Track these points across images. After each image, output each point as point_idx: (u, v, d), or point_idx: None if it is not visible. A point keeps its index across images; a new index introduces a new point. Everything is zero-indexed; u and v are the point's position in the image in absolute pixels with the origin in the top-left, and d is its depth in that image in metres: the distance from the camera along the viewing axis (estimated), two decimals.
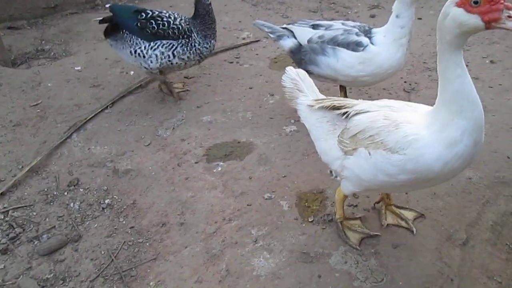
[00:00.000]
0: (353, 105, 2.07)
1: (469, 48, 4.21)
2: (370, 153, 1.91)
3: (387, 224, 2.40)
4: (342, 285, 2.12)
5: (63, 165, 3.09)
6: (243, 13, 5.28)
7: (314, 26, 3.17)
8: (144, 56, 3.34)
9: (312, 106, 2.20)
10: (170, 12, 3.42)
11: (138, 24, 3.28)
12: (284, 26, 3.31)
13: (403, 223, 2.40)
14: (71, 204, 2.78)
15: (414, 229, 2.35)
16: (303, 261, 2.25)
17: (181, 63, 3.41)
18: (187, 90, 3.82)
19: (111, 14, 3.38)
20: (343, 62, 2.98)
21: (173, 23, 3.31)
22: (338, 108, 2.10)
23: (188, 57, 3.38)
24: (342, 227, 2.35)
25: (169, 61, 3.36)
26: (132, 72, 4.14)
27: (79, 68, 4.23)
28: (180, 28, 3.32)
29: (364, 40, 2.94)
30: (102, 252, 2.48)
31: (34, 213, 2.74)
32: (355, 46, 2.94)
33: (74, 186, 2.91)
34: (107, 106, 3.65)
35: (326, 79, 3.20)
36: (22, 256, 2.47)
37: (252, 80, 3.94)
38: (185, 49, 3.35)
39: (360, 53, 2.93)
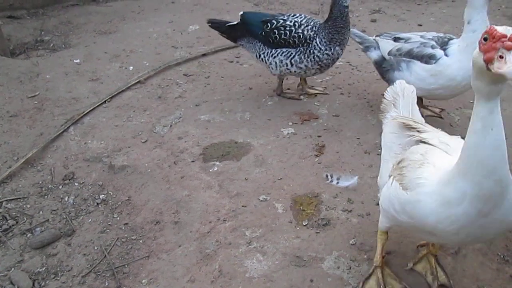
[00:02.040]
0: (425, 131, 1.94)
1: None
2: (393, 183, 1.85)
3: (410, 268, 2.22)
4: None
5: (59, 158, 3.08)
6: None
7: (396, 39, 3.21)
8: (266, 62, 3.44)
9: (393, 118, 2.11)
10: (296, 18, 3.37)
11: (263, 33, 3.38)
12: (373, 37, 3.37)
13: (429, 279, 2.15)
14: (66, 198, 2.78)
15: None
16: (296, 265, 2.26)
17: (299, 71, 3.41)
18: (326, 93, 3.75)
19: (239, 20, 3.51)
20: (416, 75, 2.99)
21: (295, 31, 3.30)
22: (409, 127, 1.99)
23: (305, 65, 3.35)
24: (382, 275, 2.12)
25: (288, 69, 3.39)
26: (131, 68, 4.13)
27: (78, 61, 4.21)
28: (301, 36, 3.29)
29: (438, 52, 2.93)
30: (95, 248, 2.47)
31: (28, 206, 2.73)
32: (428, 59, 2.95)
33: (69, 180, 2.90)
34: (105, 101, 3.64)
35: None
36: (15, 248, 2.46)
37: (252, 80, 3.94)
38: (302, 57, 3.32)
39: (431, 66, 2.93)
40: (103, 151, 3.13)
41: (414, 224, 1.75)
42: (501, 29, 1.33)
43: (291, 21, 3.34)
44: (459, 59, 2.84)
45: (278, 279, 2.19)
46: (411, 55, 3.03)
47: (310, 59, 3.30)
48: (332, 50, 3.28)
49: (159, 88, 3.84)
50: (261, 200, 2.67)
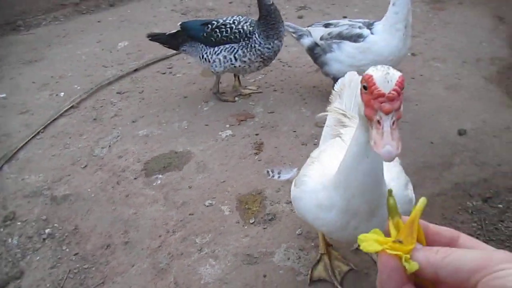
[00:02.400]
0: (347, 126, 1.91)
1: None
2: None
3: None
4: (287, 281, 2.20)
5: None
6: (172, 23, 5.23)
7: (326, 25, 3.41)
8: (209, 61, 3.47)
9: (327, 110, 2.08)
10: (235, 18, 3.47)
11: (204, 35, 3.44)
12: (306, 28, 3.55)
13: (375, 256, 2.20)
14: (9, 240, 2.68)
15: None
16: (248, 263, 2.32)
17: (244, 65, 3.45)
18: (260, 92, 3.85)
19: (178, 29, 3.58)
20: (346, 53, 3.20)
21: (235, 27, 3.39)
22: (339, 120, 1.96)
23: (249, 59, 3.40)
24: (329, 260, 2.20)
25: (232, 64, 3.43)
26: (62, 94, 4.03)
27: (4, 95, 4.06)
28: (242, 31, 3.38)
29: (365, 32, 3.15)
30: (48, 285, 2.41)
31: None
32: (356, 38, 3.16)
33: (11, 220, 2.81)
34: (39, 132, 3.54)
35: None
36: None
37: (186, 89, 3.96)
38: (245, 51, 3.38)
39: (360, 44, 3.14)
40: (43, 184, 3.05)
41: (303, 219, 1.81)
42: (379, 81, 1.12)
43: (230, 20, 3.44)
44: (384, 37, 3.06)
45: (232, 280, 2.24)
46: (341, 36, 3.23)
47: (253, 53, 3.38)
48: (272, 44, 3.39)
49: (93, 110, 3.78)
50: (207, 206, 2.71)
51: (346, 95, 2.12)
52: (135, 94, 3.96)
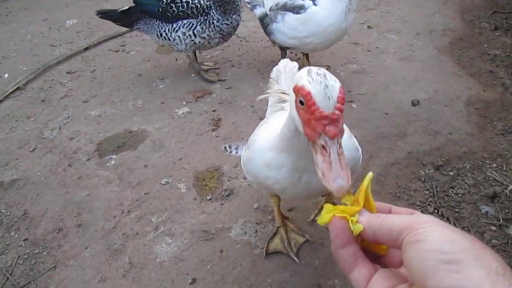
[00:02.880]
0: (287, 101, 1.93)
1: None
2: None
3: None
4: (244, 255, 2.19)
5: None
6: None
7: None
8: (169, 39, 3.31)
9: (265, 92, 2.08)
10: None
11: (159, 10, 3.25)
12: None
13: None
14: None
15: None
16: (205, 239, 2.28)
17: (204, 42, 3.31)
18: (217, 67, 3.73)
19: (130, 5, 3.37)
20: (288, 25, 3.15)
21: (191, 2, 3.22)
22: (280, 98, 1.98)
23: (208, 35, 3.26)
24: (285, 232, 2.21)
25: (192, 40, 3.29)
26: (6, 75, 3.81)
27: None
28: (199, 6, 3.22)
29: (307, 3, 3.09)
30: None
31: None
32: (298, 10, 3.10)
33: None
34: None
35: (287, 48, 3.38)
36: None
37: (140, 66, 3.83)
38: (204, 27, 3.24)
39: (301, 15, 3.09)
40: None
41: (256, 182, 1.77)
42: (319, 99, 0.99)
43: None
44: (325, 7, 3.02)
45: (188, 257, 2.20)
46: (285, 7, 3.18)
47: (211, 29, 3.27)
48: (230, 19, 3.29)
49: (41, 91, 3.60)
50: (163, 184, 2.64)
51: (283, 80, 2.16)
52: (86, 74, 3.79)
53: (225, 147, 2.55)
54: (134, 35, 4.32)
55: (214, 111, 3.21)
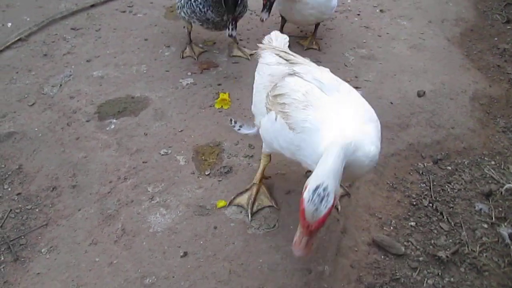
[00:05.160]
0: (296, 63, 2.00)
1: None
2: (277, 119, 1.89)
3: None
4: (237, 233, 2.20)
5: None
6: None
7: None
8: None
9: (264, 48, 2.17)
10: None
11: None
12: None
13: None
14: None
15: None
16: (200, 214, 2.29)
17: (186, 17, 3.14)
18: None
19: None
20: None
21: None
22: (282, 57, 2.05)
23: (186, 11, 3.09)
24: (256, 192, 2.32)
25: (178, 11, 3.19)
26: (10, 24, 3.72)
27: None
28: None
29: None
30: None
31: None
32: None
33: None
34: None
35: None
36: None
37: (147, 30, 3.74)
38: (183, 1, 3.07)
39: None
40: None
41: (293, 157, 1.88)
42: (307, 215, 1.50)
43: None
44: None
45: (182, 230, 2.21)
46: None
47: (188, 6, 3.05)
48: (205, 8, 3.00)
49: (44, 45, 3.52)
50: (162, 154, 2.62)
51: (275, 45, 2.22)
52: (91, 32, 3.70)
53: (231, 120, 2.50)
54: None
55: (219, 85, 3.17)
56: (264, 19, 3.02)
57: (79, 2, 4.04)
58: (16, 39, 3.52)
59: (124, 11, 3.98)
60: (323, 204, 1.47)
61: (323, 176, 1.50)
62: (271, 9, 3.00)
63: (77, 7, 3.95)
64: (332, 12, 3.40)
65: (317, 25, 3.60)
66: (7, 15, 3.85)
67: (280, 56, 2.07)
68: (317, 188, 1.48)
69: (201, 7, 2.97)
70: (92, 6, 4.00)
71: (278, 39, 2.30)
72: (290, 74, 1.95)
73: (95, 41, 3.59)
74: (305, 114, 1.77)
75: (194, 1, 2.99)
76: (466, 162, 2.70)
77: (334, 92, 1.83)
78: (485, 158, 2.73)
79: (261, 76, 2.13)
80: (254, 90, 2.20)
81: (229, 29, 2.85)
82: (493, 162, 2.70)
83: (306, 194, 1.49)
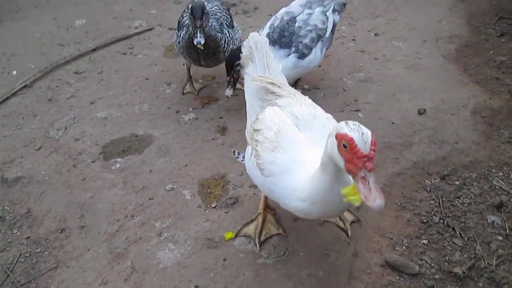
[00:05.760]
0: (281, 96, 2.00)
1: (355, 23, 4.44)
2: (251, 156, 1.94)
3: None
4: (247, 264, 2.18)
5: None
6: (133, 0, 5.07)
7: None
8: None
9: (252, 79, 2.14)
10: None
11: None
12: None
13: (341, 224, 2.38)
14: None
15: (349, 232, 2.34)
16: (208, 247, 2.28)
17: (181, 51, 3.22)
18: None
19: None
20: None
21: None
22: (269, 89, 2.05)
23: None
24: (262, 221, 2.32)
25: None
26: (15, 72, 3.83)
27: None
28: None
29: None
30: None
31: None
32: None
33: None
34: None
35: None
36: None
37: (147, 70, 3.83)
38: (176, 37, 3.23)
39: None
40: None
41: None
42: (359, 143, 1.39)
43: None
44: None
45: (191, 264, 2.20)
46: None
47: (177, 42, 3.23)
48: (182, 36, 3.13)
49: (48, 90, 3.61)
50: (168, 190, 2.64)
51: (258, 58, 2.18)
52: (93, 75, 3.80)
53: (234, 151, 2.53)
54: (142, 38, 4.32)
55: (220, 118, 3.21)
56: (229, 96, 2.88)
57: (81, 47, 4.16)
58: (21, 86, 3.62)
59: (124, 53, 4.09)
60: (362, 126, 1.44)
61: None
62: (235, 85, 2.89)
63: (80, 52, 4.06)
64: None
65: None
66: (12, 63, 3.96)
67: (268, 89, 2.06)
68: (346, 122, 1.47)
69: (180, 46, 3.13)
70: (94, 50, 4.11)
71: (259, 46, 2.20)
72: (271, 105, 1.98)
73: (97, 83, 3.67)
74: (273, 156, 1.80)
75: (177, 38, 3.16)
76: (473, 175, 2.69)
77: (307, 130, 1.85)
78: (493, 170, 2.71)
79: (250, 100, 2.18)
80: (247, 115, 2.27)
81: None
82: (501, 173, 2.69)
83: (345, 127, 1.44)
